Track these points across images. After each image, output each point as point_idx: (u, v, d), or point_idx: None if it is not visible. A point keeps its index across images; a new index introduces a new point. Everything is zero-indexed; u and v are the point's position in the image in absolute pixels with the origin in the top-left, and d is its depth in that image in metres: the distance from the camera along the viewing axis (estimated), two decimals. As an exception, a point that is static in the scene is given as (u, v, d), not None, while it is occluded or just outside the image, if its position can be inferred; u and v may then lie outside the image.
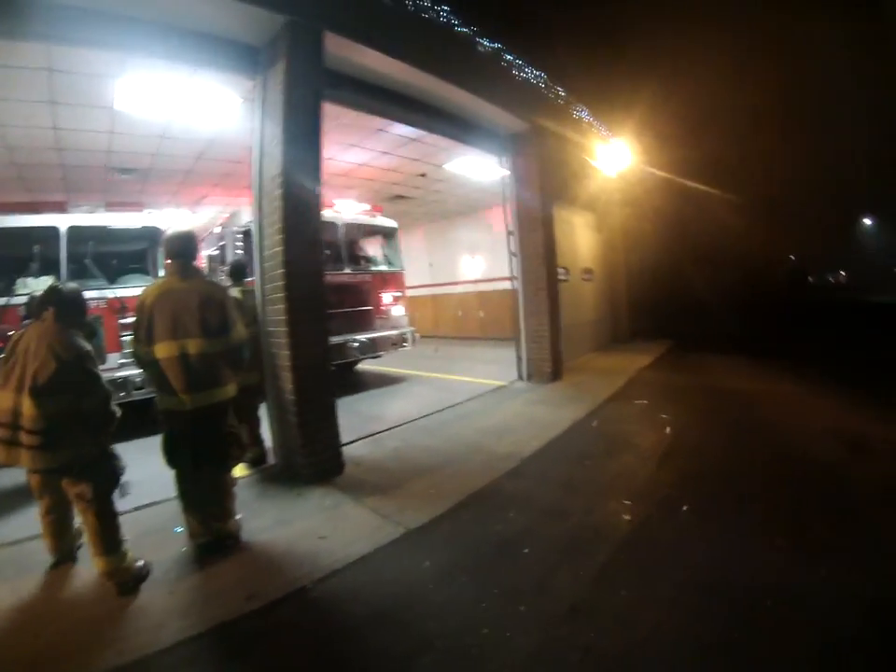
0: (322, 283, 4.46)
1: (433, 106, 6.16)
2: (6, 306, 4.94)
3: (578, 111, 8.84)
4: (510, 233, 7.90)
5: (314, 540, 3.13)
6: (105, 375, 3.05)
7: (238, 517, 3.27)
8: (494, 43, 6.39)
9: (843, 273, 51.57)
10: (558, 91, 8.09)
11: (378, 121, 6.35)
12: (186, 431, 3.04)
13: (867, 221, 45.48)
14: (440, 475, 4.14)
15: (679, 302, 12.01)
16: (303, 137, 4.18)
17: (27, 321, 3.36)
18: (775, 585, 2.48)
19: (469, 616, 2.38)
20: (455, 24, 5.67)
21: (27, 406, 2.56)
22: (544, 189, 7.61)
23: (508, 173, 7.86)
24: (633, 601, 2.45)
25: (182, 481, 3.12)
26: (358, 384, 8.62)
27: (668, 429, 5.09)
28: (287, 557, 2.98)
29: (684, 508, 3.39)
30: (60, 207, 6.12)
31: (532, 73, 7.28)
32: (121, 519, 2.86)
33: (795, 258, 36.31)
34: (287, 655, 2.23)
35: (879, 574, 2.53)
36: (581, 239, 10.24)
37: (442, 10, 5.44)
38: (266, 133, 4.32)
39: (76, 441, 2.64)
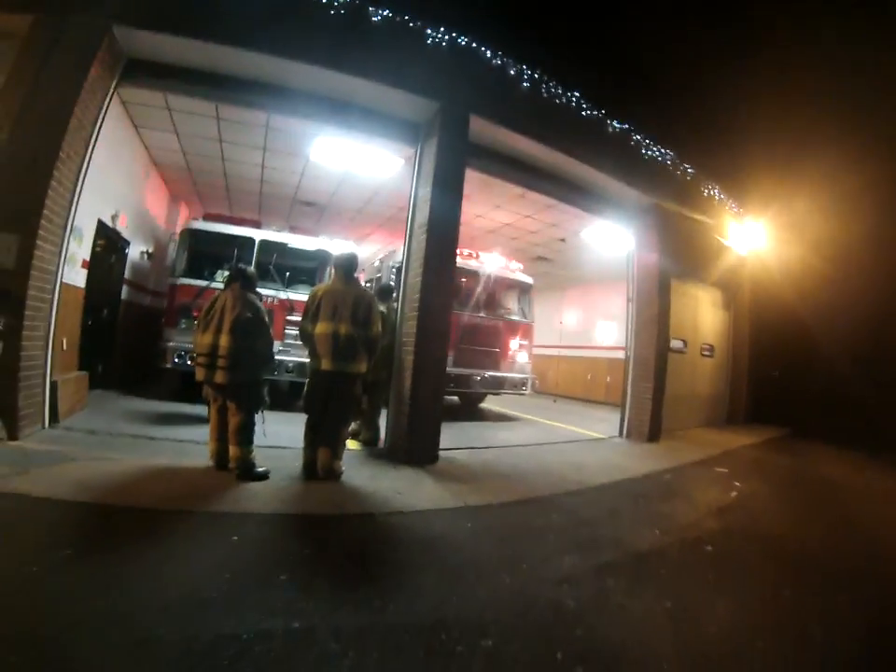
0: (448, 313, 5.59)
1: (563, 179, 7.15)
2: (206, 287, 7.01)
3: (707, 188, 9.10)
4: (629, 301, 8.44)
5: (392, 493, 4.09)
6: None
7: (342, 464, 4.36)
8: (622, 124, 7.20)
9: None
10: (686, 168, 8.49)
11: (519, 188, 7.40)
12: (323, 386, 4.27)
13: None
14: (513, 482, 4.85)
15: (809, 393, 11.31)
16: (447, 198, 5.44)
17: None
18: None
19: (483, 560, 3.03)
20: (584, 108, 6.64)
21: (224, 341, 3.94)
22: (662, 262, 8.06)
23: (634, 244, 8.44)
24: (619, 607, 2.66)
25: (310, 422, 4.34)
26: (475, 416, 9.49)
27: (734, 494, 5.25)
28: (370, 496, 3.99)
29: (708, 548, 3.64)
30: (256, 223, 8.34)
31: (659, 151, 7.85)
32: (261, 451, 4.22)
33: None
34: (342, 548, 3.08)
35: None
36: (705, 314, 10.34)
37: (573, 96, 6.45)
38: (419, 192, 5.67)
39: (248, 368, 4.01)
